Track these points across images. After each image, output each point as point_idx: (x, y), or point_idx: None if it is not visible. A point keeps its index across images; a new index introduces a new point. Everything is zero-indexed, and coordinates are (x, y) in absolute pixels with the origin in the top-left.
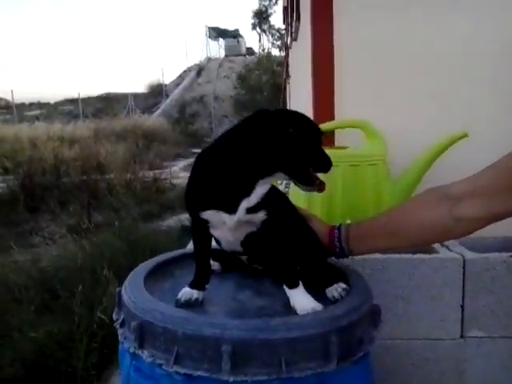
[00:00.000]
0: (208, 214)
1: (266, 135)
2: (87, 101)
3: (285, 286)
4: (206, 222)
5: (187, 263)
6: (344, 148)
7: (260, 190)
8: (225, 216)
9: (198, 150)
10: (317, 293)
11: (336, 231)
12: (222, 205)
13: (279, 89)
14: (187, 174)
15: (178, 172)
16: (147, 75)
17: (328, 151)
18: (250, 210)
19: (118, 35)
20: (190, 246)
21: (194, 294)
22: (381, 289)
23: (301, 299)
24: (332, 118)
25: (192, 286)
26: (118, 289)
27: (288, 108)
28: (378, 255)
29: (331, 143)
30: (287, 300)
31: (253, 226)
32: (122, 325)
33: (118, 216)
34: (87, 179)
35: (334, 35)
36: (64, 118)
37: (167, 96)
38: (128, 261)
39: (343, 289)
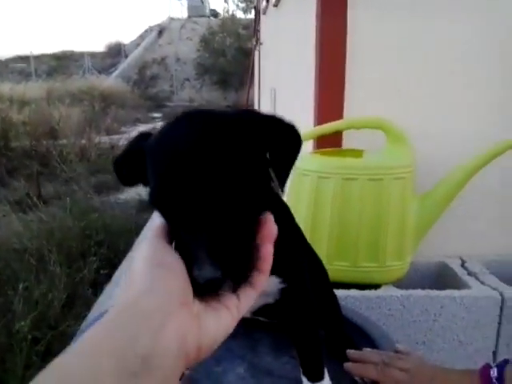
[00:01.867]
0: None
1: None
2: (41, 58)
3: (303, 376)
4: None
5: None
6: (358, 153)
7: None
8: None
9: (158, 115)
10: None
11: (493, 371)
12: None
13: (244, 53)
14: None
15: None
16: (106, 34)
17: (339, 160)
18: None
19: None
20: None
21: None
22: (400, 333)
23: None
24: (340, 116)
25: None
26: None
27: (255, 81)
28: (398, 291)
29: (337, 145)
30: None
31: (268, 296)
32: None
33: (71, 188)
34: (38, 145)
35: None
36: (15, 77)
37: (126, 56)
38: (79, 244)
39: None
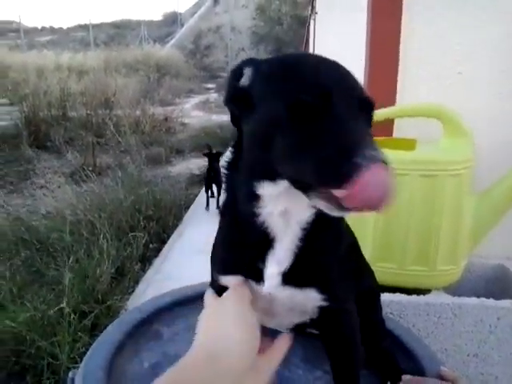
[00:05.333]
0: (228, 281)
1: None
2: (100, 27)
3: None
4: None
5: (182, 313)
6: (411, 144)
7: (288, 234)
8: (253, 285)
9: (212, 86)
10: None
11: None
12: (244, 267)
13: (301, 22)
14: (199, 113)
15: (190, 110)
16: (163, 2)
17: (388, 152)
18: (289, 279)
19: None
20: (190, 282)
21: None
22: (450, 342)
23: None
24: (393, 102)
25: None
26: (70, 373)
27: (311, 51)
28: (449, 298)
29: (388, 132)
30: None
31: (304, 313)
32: None
33: (124, 159)
34: (94, 116)
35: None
36: (75, 46)
37: (182, 25)
38: (130, 218)
39: None
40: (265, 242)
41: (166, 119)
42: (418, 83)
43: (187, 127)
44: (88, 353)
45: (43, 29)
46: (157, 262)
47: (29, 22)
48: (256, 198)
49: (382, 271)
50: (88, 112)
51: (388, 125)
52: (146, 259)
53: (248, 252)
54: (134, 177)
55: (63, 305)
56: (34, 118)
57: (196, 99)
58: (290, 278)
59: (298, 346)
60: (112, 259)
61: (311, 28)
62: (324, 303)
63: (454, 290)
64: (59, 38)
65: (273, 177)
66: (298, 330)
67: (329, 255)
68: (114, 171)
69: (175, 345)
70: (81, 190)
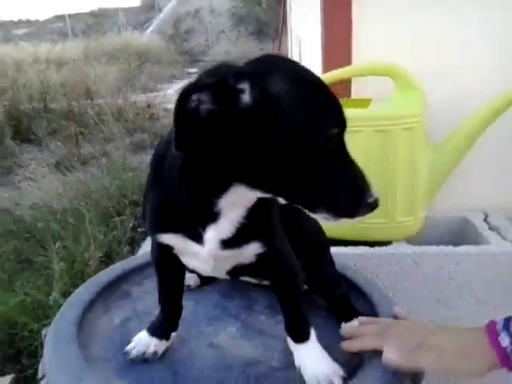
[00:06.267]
0: (167, 238)
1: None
2: (77, 16)
3: (288, 338)
4: (169, 248)
5: (151, 273)
6: (365, 102)
7: (233, 214)
8: (193, 245)
9: (194, 70)
10: (330, 325)
11: (499, 323)
12: (184, 228)
13: (280, 1)
14: None
15: (173, 96)
16: None
17: (344, 109)
18: (229, 243)
19: None
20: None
21: (152, 345)
22: (413, 291)
23: (311, 361)
24: (349, 61)
25: (152, 331)
26: (43, 330)
27: (288, 29)
28: (410, 248)
29: (346, 93)
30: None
31: (247, 256)
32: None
33: (108, 147)
34: (75, 106)
35: None
36: (53, 37)
37: (160, 10)
38: (116, 203)
39: None
40: (208, 216)
41: (148, 106)
42: (372, 44)
43: (170, 113)
44: (59, 311)
45: (19, 21)
46: (145, 244)
47: (3, 15)
48: (209, 204)
49: (344, 226)
50: (69, 103)
51: (346, 87)
52: (135, 242)
53: (189, 218)
54: (119, 163)
55: (53, 289)
56: (15, 112)
57: (178, 84)
58: (229, 242)
59: (262, 295)
60: (99, 244)
61: (287, 5)
62: (262, 250)
63: (419, 242)
64: (36, 30)
65: (228, 187)
66: (235, 275)
67: (265, 219)
68: (98, 160)
69: (144, 302)
70: (66, 179)
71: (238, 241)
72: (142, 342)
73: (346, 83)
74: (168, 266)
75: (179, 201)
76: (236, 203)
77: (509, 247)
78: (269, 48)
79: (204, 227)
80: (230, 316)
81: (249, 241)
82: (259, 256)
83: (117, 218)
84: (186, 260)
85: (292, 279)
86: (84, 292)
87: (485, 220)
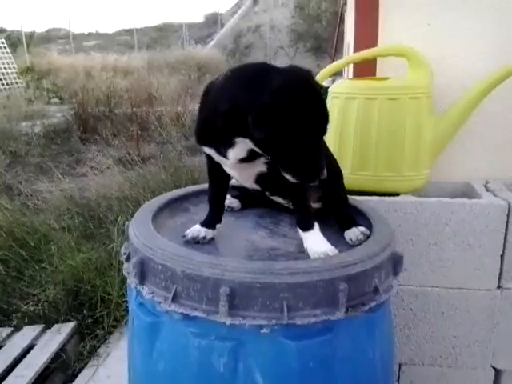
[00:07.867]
0: (207, 150)
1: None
2: (143, 31)
3: (298, 228)
4: (211, 157)
5: (205, 199)
6: (384, 79)
7: (243, 146)
8: (222, 158)
9: None
10: (337, 235)
11: None
12: (214, 145)
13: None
14: None
15: None
16: (204, 4)
17: (364, 82)
18: (244, 160)
19: None
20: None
21: (202, 232)
22: (414, 234)
23: (314, 242)
24: (375, 44)
25: (202, 224)
26: (127, 222)
27: (345, 45)
28: (412, 198)
29: (372, 73)
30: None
31: (261, 167)
32: (128, 259)
33: (165, 149)
34: (138, 111)
35: None
36: (120, 49)
37: (222, 26)
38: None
39: (362, 233)
40: (229, 144)
41: None
42: (396, 31)
43: None
44: (135, 214)
45: (90, 34)
46: None
47: (76, 28)
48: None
49: (361, 178)
50: (132, 108)
51: (371, 66)
52: None
53: (218, 141)
54: (175, 162)
55: (113, 254)
56: (83, 114)
57: None
58: (243, 160)
59: (288, 217)
60: None
61: (345, 20)
62: (268, 160)
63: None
64: (105, 42)
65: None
66: (262, 185)
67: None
68: (156, 159)
69: (199, 216)
70: (127, 172)
71: (250, 159)
72: (196, 229)
73: (371, 64)
74: (215, 171)
75: (217, 126)
76: (245, 142)
77: (498, 201)
78: (325, 64)
79: (226, 149)
80: (261, 227)
81: (256, 158)
82: (267, 165)
83: None
84: (225, 167)
85: (297, 187)
86: (155, 201)
87: (485, 186)
